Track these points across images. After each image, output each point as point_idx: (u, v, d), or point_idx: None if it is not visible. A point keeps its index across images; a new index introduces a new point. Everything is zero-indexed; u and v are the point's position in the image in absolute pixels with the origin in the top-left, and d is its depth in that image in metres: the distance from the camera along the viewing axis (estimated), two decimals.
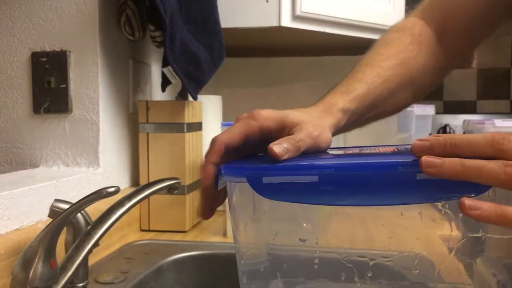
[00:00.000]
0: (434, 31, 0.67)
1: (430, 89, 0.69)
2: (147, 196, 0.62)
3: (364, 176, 0.40)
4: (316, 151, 0.49)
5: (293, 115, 0.53)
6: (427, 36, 0.67)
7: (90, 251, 0.56)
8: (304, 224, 0.49)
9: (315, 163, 0.42)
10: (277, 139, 0.45)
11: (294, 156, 0.45)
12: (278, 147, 0.43)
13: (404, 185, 0.40)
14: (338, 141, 1.01)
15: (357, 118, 0.59)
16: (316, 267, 0.49)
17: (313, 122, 0.51)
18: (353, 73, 0.62)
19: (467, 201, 0.38)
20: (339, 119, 0.56)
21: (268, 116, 0.52)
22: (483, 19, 0.66)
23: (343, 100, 0.58)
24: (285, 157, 0.43)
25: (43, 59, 0.86)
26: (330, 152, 0.49)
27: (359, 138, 1.02)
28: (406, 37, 0.66)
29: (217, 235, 0.97)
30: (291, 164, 0.43)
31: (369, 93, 0.60)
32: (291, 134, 0.48)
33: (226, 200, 0.49)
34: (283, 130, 0.50)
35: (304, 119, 0.52)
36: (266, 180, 0.41)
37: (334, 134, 0.56)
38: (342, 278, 0.49)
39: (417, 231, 0.42)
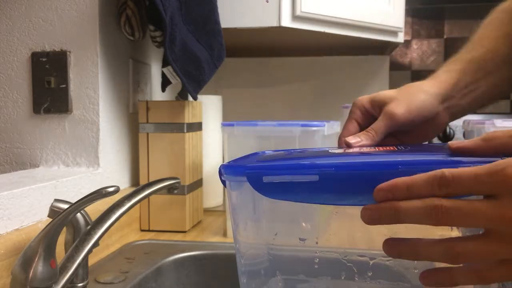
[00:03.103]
0: None
1: None
2: (147, 196, 0.62)
3: (364, 175, 0.40)
4: (410, 122, 0.55)
5: (381, 94, 0.58)
6: None
7: (90, 251, 0.56)
8: (303, 224, 0.49)
9: (316, 162, 0.42)
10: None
11: (369, 144, 0.53)
12: (351, 138, 0.53)
13: None
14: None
15: (470, 83, 0.60)
16: (316, 266, 0.49)
17: (399, 98, 0.56)
18: (465, 47, 0.64)
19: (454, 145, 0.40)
20: (443, 80, 0.59)
21: (361, 100, 0.59)
22: None
23: (447, 63, 0.62)
24: (358, 144, 0.52)
25: (43, 59, 0.86)
26: (330, 151, 0.49)
27: None
28: (502, 15, 0.66)
29: (217, 235, 0.97)
30: (291, 163, 0.43)
31: (474, 59, 0.61)
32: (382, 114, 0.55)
33: (226, 200, 0.49)
34: (377, 109, 0.57)
35: (390, 96, 0.57)
36: (266, 179, 0.41)
37: (454, 101, 0.59)
38: (342, 278, 0.49)
39: (417, 230, 0.42)
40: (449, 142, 0.41)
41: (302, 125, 0.86)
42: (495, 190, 0.35)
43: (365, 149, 0.50)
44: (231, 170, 0.44)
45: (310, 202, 0.42)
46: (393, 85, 1.83)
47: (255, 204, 0.46)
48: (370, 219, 0.38)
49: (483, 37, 0.65)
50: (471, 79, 0.60)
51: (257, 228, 0.48)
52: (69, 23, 0.86)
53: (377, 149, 0.50)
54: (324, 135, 0.86)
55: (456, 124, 1.95)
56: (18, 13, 0.87)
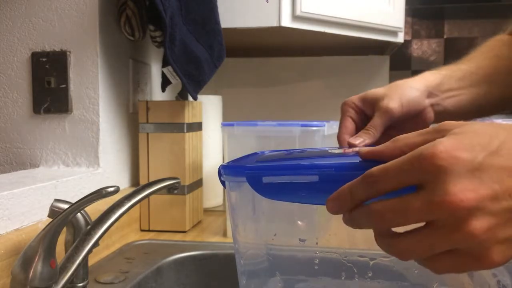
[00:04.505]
0: None
1: None
2: (147, 196, 0.62)
3: None
4: (403, 116, 0.58)
5: (372, 92, 0.61)
6: None
7: (90, 251, 0.56)
8: (299, 222, 0.49)
9: (315, 162, 0.42)
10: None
11: (371, 142, 0.55)
12: (354, 139, 0.55)
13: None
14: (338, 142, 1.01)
15: (454, 88, 0.63)
16: (316, 267, 0.49)
17: (389, 94, 0.59)
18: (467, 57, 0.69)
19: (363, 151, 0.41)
20: (428, 79, 0.62)
21: (352, 99, 0.61)
22: None
23: (435, 68, 0.65)
24: (362, 144, 0.54)
25: (43, 59, 0.86)
26: (330, 151, 0.49)
27: None
28: (496, 42, 0.71)
29: (217, 235, 0.97)
30: (291, 163, 0.43)
31: (461, 69, 0.65)
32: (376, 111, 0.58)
33: (226, 200, 0.49)
34: (368, 107, 0.60)
35: (381, 94, 0.60)
36: (266, 180, 0.41)
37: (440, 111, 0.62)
38: (342, 278, 0.49)
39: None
40: (359, 149, 0.42)
41: (302, 125, 0.86)
42: (420, 177, 0.34)
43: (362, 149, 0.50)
44: (230, 170, 0.44)
45: (310, 203, 0.42)
46: None
47: (255, 205, 0.46)
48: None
49: (473, 56, 0.69)
50: (455, 84, 0.64)
51: (256, 228, 0.48)
52: (69, 23, 0.86)
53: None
54: (324, 135, 0.86)
55: None
56: (18, 13, 0.87)
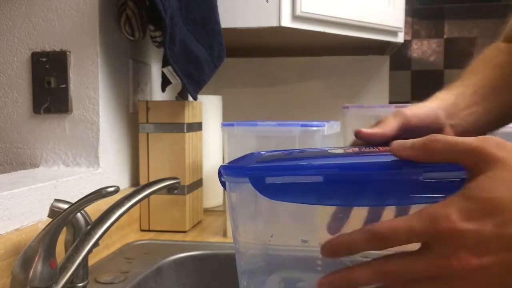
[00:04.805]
0: None
1: None
2: (147, 196, 0.62)
3: (369, 176, 0.40)
4: (418, 124, 0.55)
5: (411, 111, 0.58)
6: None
7: (90, 251, 0.56)
8: (303, 224, 0.48)
9: (319, 163, 0.42)
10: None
11: (381, 132, 0.51)
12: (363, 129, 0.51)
13: (408, 185, 0.40)
14: (338, 142, 1.01)
15: (469, 105, 0.62)
16: (318, 268, 0.49)
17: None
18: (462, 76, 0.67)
19: (394, 142, 0.40)
20: (443, 99, 0.60)
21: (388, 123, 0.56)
22: None
23: (443, 89, 0.64)
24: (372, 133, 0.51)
25: (43, 59, 0.86)
26: (330, 151, 0.49)
27: None
28: (493, 52, 0.70)
29: (217, 235, 0.97)
30: (294, 164, 0.43)
31: (469, 84, 0.64)
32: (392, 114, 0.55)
33: (226, 200, 0.49)
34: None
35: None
36: (269, 180, 0.41)
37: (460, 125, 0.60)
38: None
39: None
40: (393, 143, 0.41)
41: (302, 125, 0.86)
42: (430, 240, 0.36)
43: (365, 149, 0.50)
44: (231, 171, 0.44)
45: (313, 203, 0.41)
46: (393, 85, 1.82)
47: (255, 205, 0.46)
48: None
49: (475, 68, 0.68)
50: (469, 101, 0.62)
51: (256, 229, 0.48)
52: (69, 23, 0.86)
53: (378, 149, 0.50)
54: (324, 135, 0.86)
55: None
56: (18, 13, 0.87)
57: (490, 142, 0.37)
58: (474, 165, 0.37)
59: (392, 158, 0.43)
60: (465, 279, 0.35)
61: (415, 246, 0.37)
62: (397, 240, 0.36)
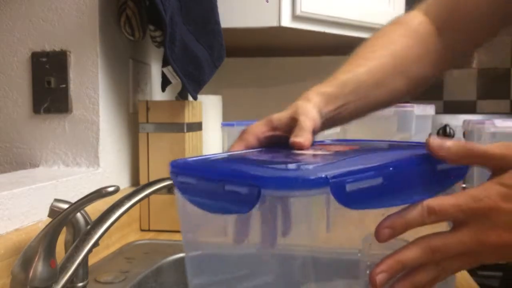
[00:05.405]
0: (435, 26, 0.68)
1: (430, 80, 0.70)
2: (147, 196, 0.62)
3: (416, 170, 0.42)
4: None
5: (275, 116, 0.57)
6: (426, 29, 0.67)
7: (90, 251, 0.56)
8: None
9: (377, 164, 0.40)
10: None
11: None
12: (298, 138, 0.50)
13: (431, 177, 0.44)
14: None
15: (342, 105, 0.60)
16: (319, 268, 0.49)
17: (284, 112, 0.56)
18: (344, 63, 0.66)
19: (432, 141, 0.43)
20: (317, 102, 0.57)
21: (254, 126, 0.55)
22: (484, 23, 0.67)
23: (323, 86, 0.60)
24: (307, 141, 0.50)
25: (43, 59, 0.86)
26: (333, 148, 0.49)
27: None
28: (402, 30, 0.68)
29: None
30: (362, 167, 0.39)
31: (352, 80, 0.62)
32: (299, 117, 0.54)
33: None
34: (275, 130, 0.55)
35: (288, 112, 0.56)
36: (349, 187, 0.36)
37: (325, 121, 0.58)
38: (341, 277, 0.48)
39: (417, 229, 0.43)
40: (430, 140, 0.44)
41: None
42: (470, 217, 0.41)
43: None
44: (307, 182, 0.35)
45: (380, 207, 0.40)
46: None
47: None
48: (385, 278, 0.41)
49: (373, 50, 0.66)
50: (347, 98, 0.61)
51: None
52: (69, 23, 0.86)
53: (348, 148, 0.50)
54: (324, 135, 0.86)
55: (456, 124, 1.95)
56: (18, 13, 0.87)
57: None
58: (500, 168, 0.42)
59: (416, 152, 0.45)
60: (493, 253, 0.41)
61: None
62: (445, 214, 0.41)
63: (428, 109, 1.30)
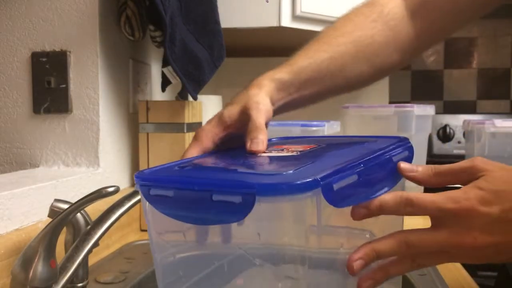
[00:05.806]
0: (409, 9, 0.66)
1: (398, 66, 0.69)
2: None
3: (382, 165, 0.45)
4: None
5: (226, 113, 0.56)
6: (399, 14, 0.66)
7: (90, 251, 0.56)
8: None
9: (350, 162, 0.42)
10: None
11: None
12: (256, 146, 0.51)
13: (391, 168, 0.46)
14: None
15: (297, 90, 0.60)
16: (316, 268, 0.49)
17: (247, 100, 0.56)
18: (304, 47, 0.63)
19: (403, 165, 0.46)
20: (269, 89, 0.57)
21: (208, 128, 0.56)
22: (460, 11, 0.66)
23: (279, 71, 0.60)
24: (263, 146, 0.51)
25: (43, 59, 0.86)
26: (294, 148, 0.50)
27: None
28: (372, 13, 0.66)
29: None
30: (340, 167, 0.40)
31: (311, 66, 0.61)
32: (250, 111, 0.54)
33: None
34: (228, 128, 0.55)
35: (238, 106, 0.56)
36: (335, 187, 0.38)
37: (278, 108, 0.58)
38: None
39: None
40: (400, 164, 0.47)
41: (302, 125, 0.86)
42: (447, 217, 0.42)
43: (290, 151, 0.50)
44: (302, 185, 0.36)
45: (357, 202, 0.43)
46: (393, 84, 1.82)
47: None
48: (361, 264, 0.42)
49: (329, 41, 0.64)
50: (304, 84, 0.61)
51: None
52: (69, 23, 0.86)
53: (305, 148, 0.50)
54: (324, 135, 0.87)
55: (456, 124, 1.96)
56: (18, 13, 0.87)
57: (477, 160, 0.45)
58: (472, 178, 0.43)
59: (372, 147, 0.48)
60: (467, 254, 0.42)
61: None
62: (422, 209, 0.42)
63: (428, 109, 1.30)
